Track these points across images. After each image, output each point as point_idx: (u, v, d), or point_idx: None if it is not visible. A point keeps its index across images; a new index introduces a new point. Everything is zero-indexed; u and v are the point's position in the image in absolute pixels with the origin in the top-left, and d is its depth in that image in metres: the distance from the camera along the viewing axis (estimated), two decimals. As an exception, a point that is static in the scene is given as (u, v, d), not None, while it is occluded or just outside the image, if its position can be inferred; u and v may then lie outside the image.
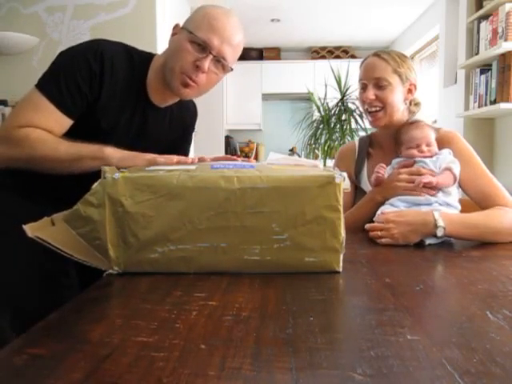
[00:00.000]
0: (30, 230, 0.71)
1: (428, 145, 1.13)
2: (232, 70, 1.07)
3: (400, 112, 1.23)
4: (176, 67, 1.01)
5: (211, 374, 0.41)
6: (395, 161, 1.18)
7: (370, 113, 1.23)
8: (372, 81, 1.20)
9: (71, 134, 0.98)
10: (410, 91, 1.23)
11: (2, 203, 1.03)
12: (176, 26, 1.08)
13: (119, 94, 1.03)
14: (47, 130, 0.96)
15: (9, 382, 0.40)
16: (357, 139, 1.40)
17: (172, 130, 1.19)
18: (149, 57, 1.10)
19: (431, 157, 1.12)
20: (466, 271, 0.78)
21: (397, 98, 1.20)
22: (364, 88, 1.22)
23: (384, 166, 1.16)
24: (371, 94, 1.19)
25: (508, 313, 0.56)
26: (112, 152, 0.92)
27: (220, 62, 1.03)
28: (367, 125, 3.77)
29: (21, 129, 0.94)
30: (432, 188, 1.06)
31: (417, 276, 0.75)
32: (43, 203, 0.93)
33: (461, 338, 0.49)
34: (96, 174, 0.74)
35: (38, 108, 0.96)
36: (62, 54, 1.03)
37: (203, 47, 1.00)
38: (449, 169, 1.07)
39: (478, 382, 0.39)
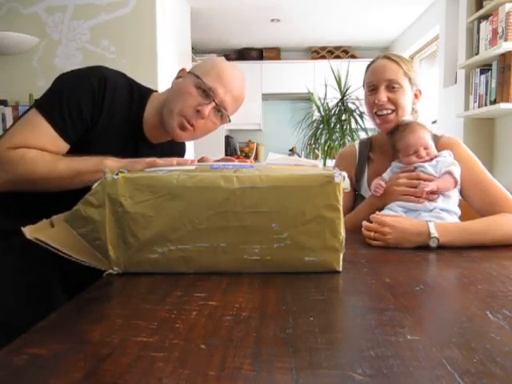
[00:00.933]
0: (29, 231, 0.71)
1: (426, 147, 1.12)
2: (230, 121, 1.09)
3: (407, 115, 1.21)
4: (176, 108, 1.01)
5: (211, 374, 0.41)
6: (394, 164, 1.18)
7: (379, 116, 1.20)
8: (384, 83, 1.17)
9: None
10: (416, 96, 1.22)
11: None
12: (182, 70, 1.10)
13: (115, 124, 1.02)
14: (43, 151, 0.93)
15: (9, 382, 0.40)
16: (357, 142, 1.37)
17: None
18: (148, 92, 1.10)
19: (431, 160, 1.11)
20: (466, 271, 0.78)
21: (407, 101, 1.19)
22: (373, 90, 1.20)
23: (382, 184, 1.14)
24: (383, 95, 1.17)
25: (508, 313, 0.56)
26: (112, 162, 0.91)
27: (220, 111, 1.04)
28: (367, 125, 3.78)
29: (15, 150, 0.90)
30: (432, 193, 1.05)
31: (417, 276, 0.75)
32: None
33: (461, 338, 0.49)
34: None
35: (37, 129, 0.93)
36: (63, 75, 1.01)
37: (207, 94, 1.01)
38: (449, 172, 1.06)
39: (477, 382, 0.39)
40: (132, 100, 1.05)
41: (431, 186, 1.04)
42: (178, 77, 1.09)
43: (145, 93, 1.09)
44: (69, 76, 1.00)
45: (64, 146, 0.97)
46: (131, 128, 1.06)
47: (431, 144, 1.13)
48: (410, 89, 1.19)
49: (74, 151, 0.98)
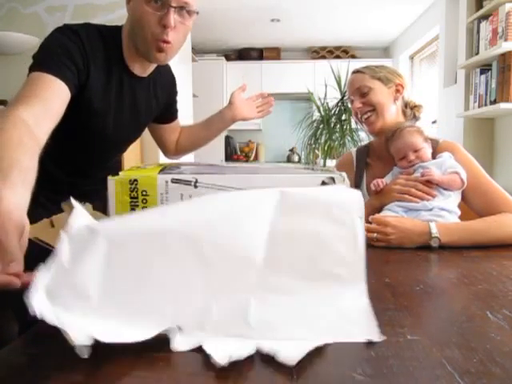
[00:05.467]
0: (30, 231, 0.71)
1: (415, 150, 1.13)
2: (198, 13, 1.04)
3: (393, 113, 1.24)
4: (145, 35, 1.00)
5: (211, 374, 0.41)
6: (396, 168, 1.19)
7: (364, 122, 1.27)
8: (355, 93, 1.27)
9: (68, 124, 0.94)
10: (397, 91, 1.26)
11: None
12: None
13: (103, 70, 1.04)
14: (46, 100, 0.86)
15: (9, 382, 0.40)
16: (354, 149, 1.40)
17: (159, 97, 1.22)
18: (117, 29, 1.09)
19: (423, 162, 1.12)
20: (466, 271, 0.78)
21: (383, 97, 1.24)
22: (352, 102, 1.29)
23: (382, 181, 1.16)
24: (357, 103, 1.26)
25: (508, 313, 0.56)
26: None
27: (183, 9, 0.99)
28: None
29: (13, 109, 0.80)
30: (430, 193, 1.06)
31: (417, 276, 0.75)
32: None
33: (461, 338, 0.49)
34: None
35: (36, 82, 0.89)
36: (43, 42, 1.00)
37: (161, 3, 0.97)
38: (457, 173, 1.06)
39: (477, 382, 0.39)
40: (107, 42, 1.05)
41: (434, 176, 1.05)
42: (127, 1, 1.05)
43: (115, 31, 1.08)
44: (48, 39, 0.99)
45: (66, 91, 0.92)
46: (118, 69, 1.07)
47: (423, 146, 1.13)
48: (383, 87, 1.25)
49: (79, 117, 1.02)
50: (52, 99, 0.88)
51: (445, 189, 1.07)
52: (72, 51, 0.97)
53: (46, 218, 0.79)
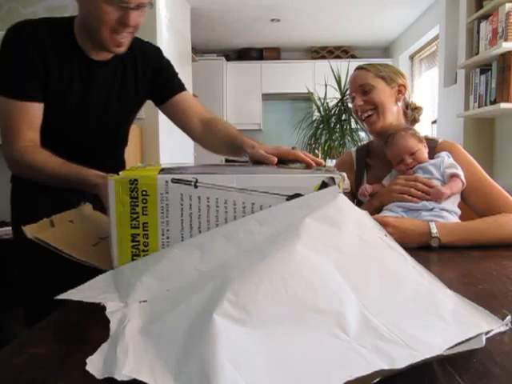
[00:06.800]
0: (29, 231, 0.71)
1: (411, 153, 1.13)
2: (152, 5, 1.05)
3: (394, 114, 1.24)
4: (104, 32, 1.01)
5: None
6: (394, 171, 1.19)
7: (364, 120, 1.25)
8: (357, 90, 1.25)
9: (46, 125, 1.06)
10: (399, 92, 1.25)
11: None
12: None
13: (60, 63, 1.06)
14: (32, 125, 1.04)
15: (9, 381, 0.40)
16: (354, 149, 1.39)
17: (136, 77, 1.19)
18: (69, 20, 1.12)
19: (420, 163, 1.12)
20: (466, 271, 0.78)
21: (385, 97, 1.23)
22: (353, 99, 1.27)
23: (370, 186, 1.17)
24: (359, 100, 1.24)
25: (508, 313, 0.56)
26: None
27: (140, 6, 1.00)
28: (367, 125, 3.79)
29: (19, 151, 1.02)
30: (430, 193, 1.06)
31: (417, 276, 0.75)
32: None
33: (461, 337, 0.48)
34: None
35: (12, 113, 1.02)
36: (0, 60, 1.05)
37: (123, 5, 0.97)
38: (456, 175, 1.07)
39: (478, 382, 0.39)
40: (58, 34, 1.07)
41: (446, 192, 1.04)
42: None
43: (66, 23, 1.11)
44: (5, 56, 1.04)
45: (38, 106, 1.05)
46: (75, 57, 1.09)
47: (418, 148, 1.13)
48: (386, 86, 1.23)
49: (52, 113, 1.07)
50: (34, 121, 1.05)
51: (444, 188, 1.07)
52: (29, 62, 1.02)
53: (46, 217, 0.79)
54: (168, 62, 1.27)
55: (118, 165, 1.27)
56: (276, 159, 0.87)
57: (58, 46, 1.06)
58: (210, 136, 1.19)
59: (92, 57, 1.10)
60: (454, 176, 1.07)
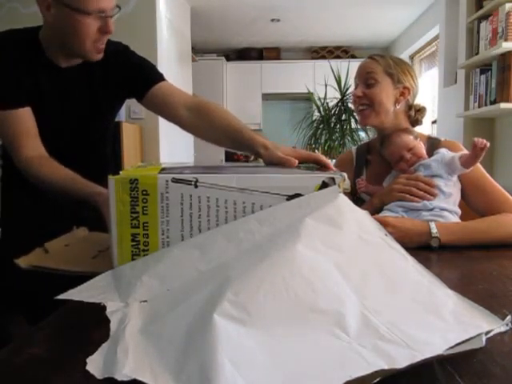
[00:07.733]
0: (23, 262, 0.71)
1: (409, 149, 1.13)
2: (120, 8, 1.07)
3: (389, 114, 1.22)
4: (84, 43, 1.03)
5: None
6: (394, 171, 1.19)
7: (358, 111, 1.24)
8: (362, 78, 1.23)
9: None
10: (402, 94, 1.22)
11: None
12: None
13: (29, 71, 1.08)
14: (30, 132, 1.06)
15: (9, 381, 0.40)
16: (354, 148, 1.39)
17: (107, 79, 1.18)
18: (33, 30, 1.12)
19: (419, 158, 1.12)
20: (466, 271, 0.78)
21: (385, 97, 1.20)
22: (356, 87, 1.25)
23: (363, 178, 1.17)
24: (359, 91, 1.22)
25: (508, 313, 0.56)
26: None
27: (115, 12, 1.03)
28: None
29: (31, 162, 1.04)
30: (431, 193, 1.06)
31: (417, 276, 0.75)
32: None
33: (461, 337, 0.48)
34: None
35: (9, 123, 1.04)
36: None
37: (100, 15, 1.00)
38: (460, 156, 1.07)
39: (478, 382, 0.39)
40: (22, 46, 1.08)
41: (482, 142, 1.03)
42: (46, 6, 1.01)
43: (32, 33, 1.11)
44: None
45: (28, 110, 1.07)
46: (41, 65, 1.10)
47: (415, 144, 1.14)
48: (390, 86, 1.21)
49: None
50: (29, 126, 1.06)
51: (445, 187, 1.07)
52: (5, 71, 1.05)
53: (38, 247, 0.80)
54: (139, 56, 1.24)
55: (101, 163, 1.28)
56: (296, 161, 0.83)
57: (26, 56, 1.08)
58: (204, 125, 1.12)
59: (60, 65, 1.12)
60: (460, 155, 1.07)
